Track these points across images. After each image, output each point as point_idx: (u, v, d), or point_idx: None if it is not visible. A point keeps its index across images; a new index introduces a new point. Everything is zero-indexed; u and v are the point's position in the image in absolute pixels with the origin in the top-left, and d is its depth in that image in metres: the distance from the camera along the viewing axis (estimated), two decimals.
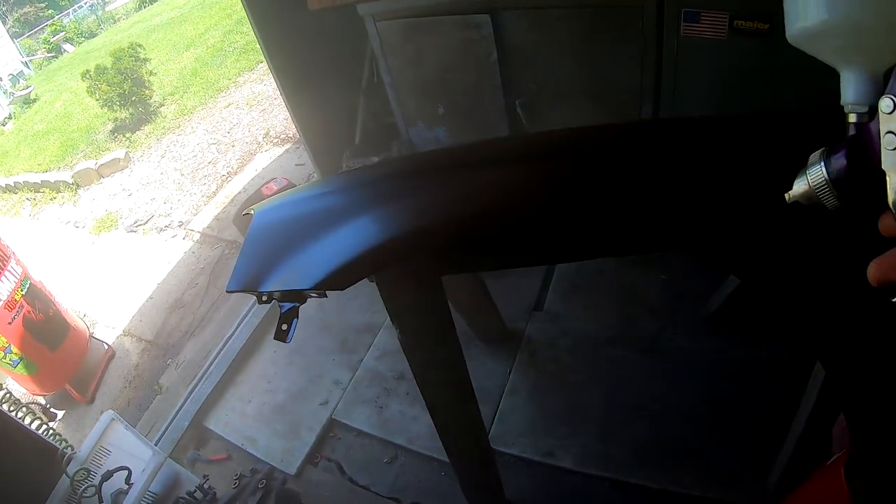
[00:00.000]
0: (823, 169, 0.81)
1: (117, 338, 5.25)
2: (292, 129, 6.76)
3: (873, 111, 0.75)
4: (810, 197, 0.83)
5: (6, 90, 14.87)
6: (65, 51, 18.30)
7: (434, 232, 1.44)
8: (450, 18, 3.26)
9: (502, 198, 1.43)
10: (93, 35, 18.64)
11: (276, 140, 6.75)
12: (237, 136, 7.21)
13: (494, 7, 3.10)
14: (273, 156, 6.47)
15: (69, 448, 2.78)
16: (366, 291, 4.06)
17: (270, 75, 8.26)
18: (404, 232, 1.49)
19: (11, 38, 18.04)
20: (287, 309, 1.55)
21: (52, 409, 4.89)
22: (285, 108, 7.13)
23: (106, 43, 15.79)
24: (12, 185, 8.92)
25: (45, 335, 4.54)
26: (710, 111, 2.95)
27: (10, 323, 4.29)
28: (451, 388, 2.12)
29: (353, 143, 4.34)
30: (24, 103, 13.96)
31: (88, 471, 2.74)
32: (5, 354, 4.35)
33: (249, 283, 1.52)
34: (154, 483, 2.88)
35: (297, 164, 6.04)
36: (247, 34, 10.25)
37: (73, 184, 8.04)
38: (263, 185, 4.88)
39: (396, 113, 3.92)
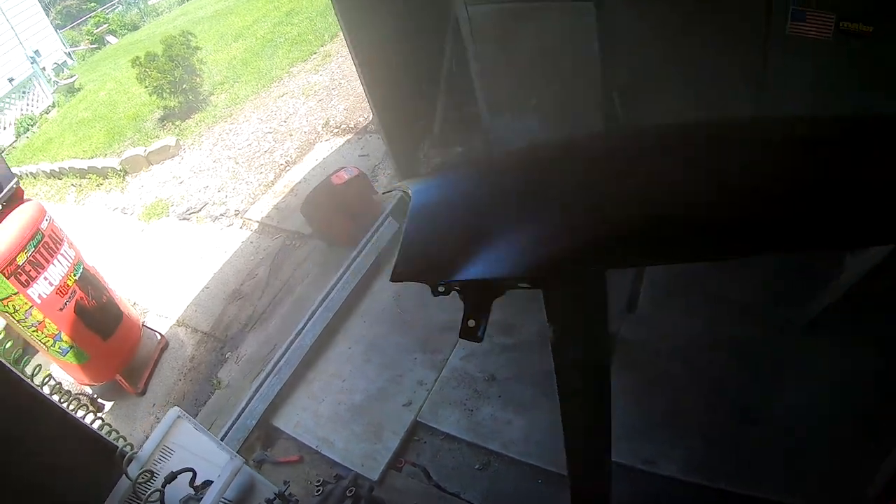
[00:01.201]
0: None
1: (170, 328, 5.01)
2: (353, 120, 6.54)
3: None
4: None
5: (50, 79, 14.84)
6: (108, 42, 18.30)
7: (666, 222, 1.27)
8: (551, 5, 3.11)
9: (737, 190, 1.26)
10: (136, 27, 18.59)
11: (336, 130, 6.51)
12: (294, 126, 6.98)
13: None
14: (334, 146, 6.22)
15: (129, 447, 2.50)
16: None
17: (324, 66, 8.20)
18: (630, 220, 1.32)
19: (55, 29, 18.03)
20: (474, 302, 1.40)
21: (99, 400, 4.65)
22: (343, 99, 7.01)
23: (149, 35, 15.72)
24: (57, 170, 8.78)
25: (98, 323, 4.30)
26: (810, 109, 2.85)
27: (61, 309, 4.05)
28: (595, 393, 1.85)
29: (430, 132, 4.07)
30: (68, 92, 13.91)
31: (153, 472, 2.46)
32: (55, 342, 4.11)
33: (421, 271, 1.42)
34: (229, 489, 2.59)
35: (360, 155, 5.80)
36: (298, 25, 10.10)
37: (120, 170, 7.86)
38: (333, 174, 4.65)
39: (481, 102, 3.73)
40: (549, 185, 1.53)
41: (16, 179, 3.99)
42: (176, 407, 2.75)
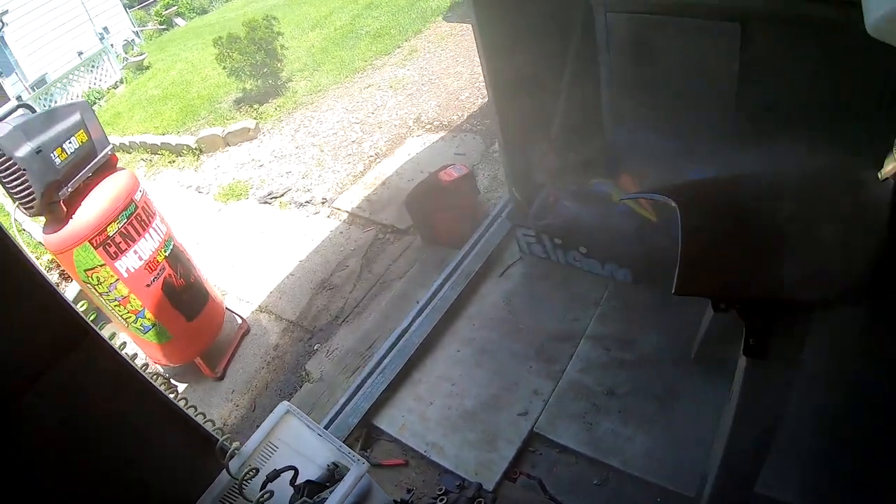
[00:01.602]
0: None
1: (252, 313, 4.83)
2: (446, 117, 6.35)
3: None
4: None
5: (119, 55, 14.96)
6: (176, 24, 18.49)
7: None
8: (695, 22, 2.93)
9: None
10: (204, 11, 18.77)
11: (428, 126, 6.30)
12: (383, 118, 6.79)
13: (746, 18, 2.76)
14: (426, 142, 6.01)
15: (229, 439, 2.29)
16: (561, 297, 3.62)
17: (412, 60, 8.03)
18: None
19: (124, 8, 18.26)
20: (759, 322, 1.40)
21: (172, 381, 4.47)
22: (434, 95, 6.82)
23: (219, 20, 15.83)
24: (127, 144, 8.74)
25: (184, 303, 4.13)
26: None
27: (148, 285, 3.89)
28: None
29: (547, 136, 3.88)
30: (137, 69, 13.99)
31: (257, 470, 2.24)
32: (136, 319, 3.94)
33: (707, 285, 1.45)
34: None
35: (456, 153, 5.59)
36: (379, 18, 9.98)
37: (195, 148, 7.77)
38: (441, 171, 4.46)
39: (605, 111, 3.55)
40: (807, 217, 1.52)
41: (111, 146, 3.83)
42: (285, 402, 2.54)
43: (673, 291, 1.40)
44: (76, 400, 1.74)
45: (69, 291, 5.25)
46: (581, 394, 3.12)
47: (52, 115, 3.48)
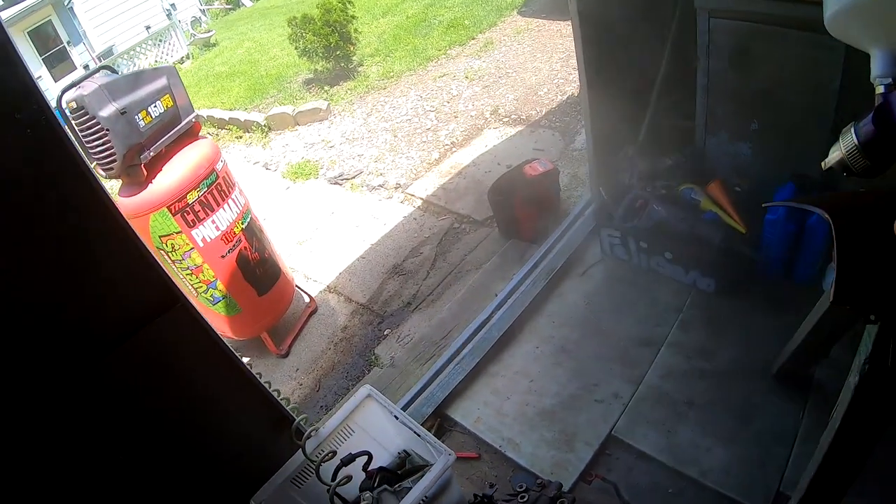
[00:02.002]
0: (854, 135, 1.20)
1: (320, 293, 4.79)
2: (524, 111, 6.24)
3: None
4: (842, 162, 1.24)
5: (187, 31, 15.19)
6: (243, 4, 18.71)
7: None
8: (800, 34, 2.82)
9: None
10: None
11: (506, 119, 6.19)
12: (458, 108, 6.71)
13: None
14: (504, 135, 5.91)
15: (305, 420, 2.23)
16: (643, 301, 3.51)
17: (487, 52, 7.95)
18: None
19: None
20: None
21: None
22: (511, 89, 6.73)
23: (286, 2, 15.93)
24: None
25: (256, 277, 4.09)
26: None
27: (223, 256, 3.85)
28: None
29: (635, 139, 3.82)
30: (204, 46, 14.19)
31: (335, 453, 2.19)
32: (207, 289, 3.92)
33: (870, 296, 1.46)
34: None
35: (535, 149, 5.47)
36: (452, 9, 9.91)
37: (265, 126, 7.79)
38: (526, 164, 4.38)
39: (699, 118, 3.45)
40: None
41: (195, 113, 3.81)
42: (368, 385, 2.48)
43: (831, 301, 1.41)
44: (161, 364, 1.73)
45: None
46: (661, 401, 3.04)
47: (139, 78, 3.45)
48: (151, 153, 3.48)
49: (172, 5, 16.69)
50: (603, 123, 3.76)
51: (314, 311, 4.62)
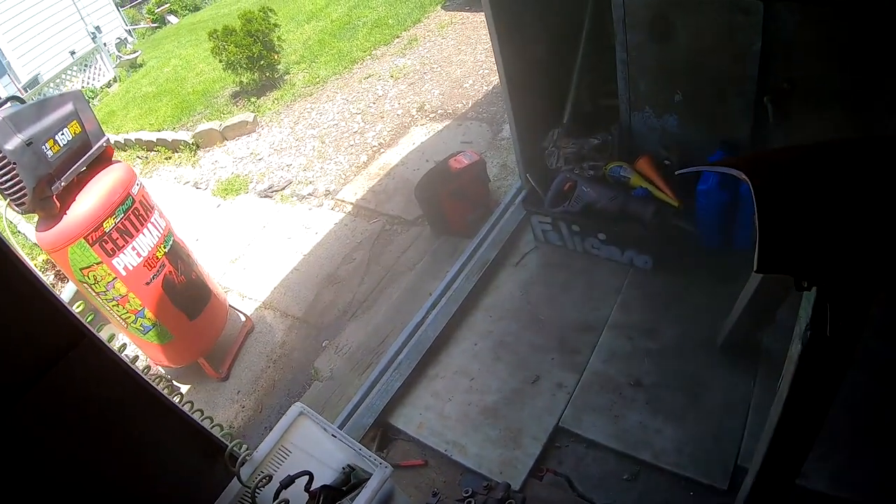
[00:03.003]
0: None
1: (255, 310, 4.65)
2: (450, 105, 6.18)
3: None
4: None
5: (112, 53, 14.77)
6: (168, 22, 18.30)
7: None
8: None
9: None
10: (197, 8, 18.57)
11: (432, 115, 6.12)
12: (385, 108, 6.60)
13: None
14: (431, 130, 5.83)
15: (238, 444, 2.13)
16: (581, 285, 3.46)
17: (412, 49, 7.86)
18: None
19: (116, 7, 18.09)
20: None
21: (175, 382, 4.27)
22: (437, 84, 6.65)
23: (212, 16, 15.65)
24: (122, 141, 8.53)
25: (186, 301, 3.93)
26: None
27: (147, 283, 3.69)
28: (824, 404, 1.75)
29: (559, 122, 3.79)
30: (130, 67, 13.81)
31: (270, 476, 2.09)
32: (136, 319, 3.75)
33: (792, 261, 1.38)
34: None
35: (462, 142, 5.41)
36: (375, 9, 9.81)
37: (192, 144, 7.57)
38: (451, 158, 4.33)
39: (622, 95, 3.42)
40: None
41: (106, 138, 3.64)
42: (298, 403, 2.39)
43: (754, 269, 1.33)
44: (74, 405, 1.60)
45: (66, 292, 5.07)
46: (606, 386, 3.00)
47: (44, 106, 3.28)
48: (63, 183, 3.30)
49: (97, 28, 16.19)
50: (525, 109, 3.74)
51: (251, 330, 4.47)
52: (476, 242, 3.88)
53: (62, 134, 3.29)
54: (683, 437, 2.66)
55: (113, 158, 3.73)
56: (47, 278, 5.42)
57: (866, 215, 1.35)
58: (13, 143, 3.03)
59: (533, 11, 3.48)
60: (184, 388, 4.24)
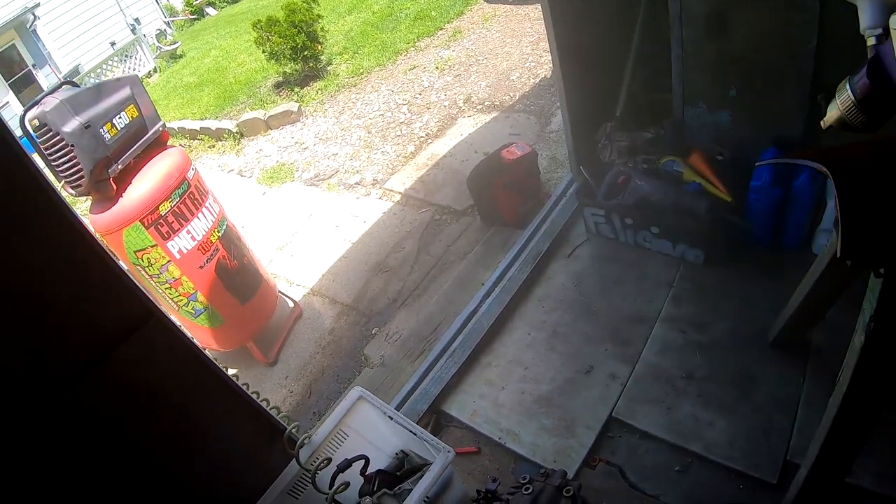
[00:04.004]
0: (849, 91, 1.20)
1: (304, 296, 4.70)
2: (497, 97, 6.18)
3: (886, 31, 1.08)
4: (841, 119, 1.25)
5: (152, 44, 15.01)
6: (207, 14, 18.53)
7: None
8: None
9: None
10: (236, 0, 18.77)
11: (480, 107, 6.12)
12: (431, 99, 6.63)
13: None
14: (479, 122, 5.84)
15: (296, 427, 2.15)
16: (633, 278, 3.45)
17: (456, 41, 7.87)
18: None
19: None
20: None
21: (223, 366, 4.36)
22: (483, 76, 6.65)
23: (250, 8, 15.84)
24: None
25: (237, 286, 4.00)
26: None
27: (201, 267, 3.76)
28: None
29: (612, 115, 3.77)
30: (171, 58, 14.03)
31: (330, 460, 2.11)
32: (188, 302, 3.83)
33: (874, 251, 1.41)
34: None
35: (511, 134, 5.40)
36: (418, 1, 9.85)
37: (236, 133, 7.67)
38: (503, 149, 4.33)
39: (675, 89, 3.39)
40: None
41: (162, 123, 3.70)
42: (358, 387, 2.40)
43: (838, 256, 1.36)
44: (138, 386, 1.63)
45: None
46: (659, 377, 2.99)
47: (101, 89, 3.35)
48: (120, 166, 3.38)
49: (136, 20, 16.49)
50: (578, 102, 3.72)
51: (299, 316, 4.52)
52: (528, 233, 3.87)
53: (119, 118, 3.36)
54: (734, 431, 2.65)
55: (168, 144, 3.79)
56: None
57: None
58: (71, 126, 3.11)
59: (588, 2, 3.47)
60: (231, 372, 4.30)
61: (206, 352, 4.00)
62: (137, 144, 3.49)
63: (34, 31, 14.89)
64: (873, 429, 1.79)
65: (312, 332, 4.36)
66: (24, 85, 14.85)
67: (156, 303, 1.63)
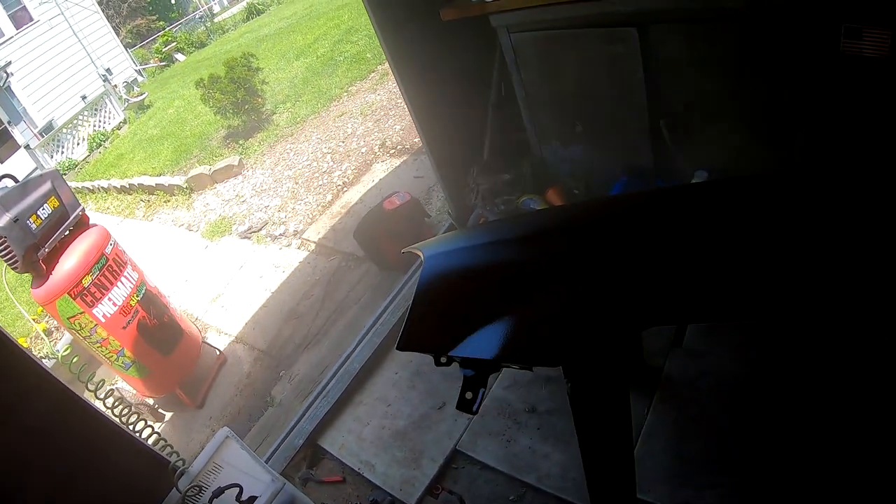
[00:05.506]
0: None
1: (229, 344, 5.22)
2: (409, 141, 6.66)
3: None
4: None
5: (121, 96, 15.55)
6: (176, 60, 19.09)
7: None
8: (592, 31, 3.01)
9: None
10: (203, 45, 19.34)
11: (392, 151, 6.62)
12: (352, 146, 7.13)
13: (642, 20, 2.83)
14: (390, 167, 6.33)
15: (181, 462, 2.65)
16: None
17: (383, 85, 8.37)
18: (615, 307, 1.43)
19: (125, 48, 18.93)
20: (470, 375, 1.45)
21: (160, 410, 4.92)
22: (399, 119, 7.14)
23: (216, 52, 16.34)
24: (127, 186, 9.24)
25: (159, 340, 4.56)
26: (867, 138, 2.62)
27: (124, 327, 4.32)
28: (616, 441, 1.80)
29: (480, 158, 4.10)
30: (139, 109, 14.56)
31: (201, 487, 2.59)
32: (118, 357, 4.38)
33: (425, 343, 1.55)
34: None
35: (415, 177, 5.88)
36: (356, 43, 10.33)
37: (186, 188, 8.21)
38: (385, 200, 4.75)
39: (529, 129, 3.71)
40: (564, 253, 1.60)
41: (81, 207, 4.27)
42: (226, 427, 2.86)
43: (396, 347, 1.55)
44: (34, 437, 2.02)
45: (63, 339, 5.79)
46: (504, 411, 3.27)
47: (26, 187, 3.91)
48: (47, 249, 3.94)
49: (108, 70, 17.05)
50: (444, 150, 4.08)
51: (224, 363, 5.05)
52: (405, 277, 4.34)
53: (42, 209, 3.91)
54: (568, 463, 2.84)
55: (90, 223, 4.34)
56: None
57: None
58: (3, 221, 3.66)
59: (437, 55, 3.69)
60: (168, 415, 4.85)
61: (147, 399, 4.57)
62: (60, 230, 4.05)
63: (8, 88, 15.46)
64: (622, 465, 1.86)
65: (233, 377, 4.87)
66: (0, 142, 15.40)
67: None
